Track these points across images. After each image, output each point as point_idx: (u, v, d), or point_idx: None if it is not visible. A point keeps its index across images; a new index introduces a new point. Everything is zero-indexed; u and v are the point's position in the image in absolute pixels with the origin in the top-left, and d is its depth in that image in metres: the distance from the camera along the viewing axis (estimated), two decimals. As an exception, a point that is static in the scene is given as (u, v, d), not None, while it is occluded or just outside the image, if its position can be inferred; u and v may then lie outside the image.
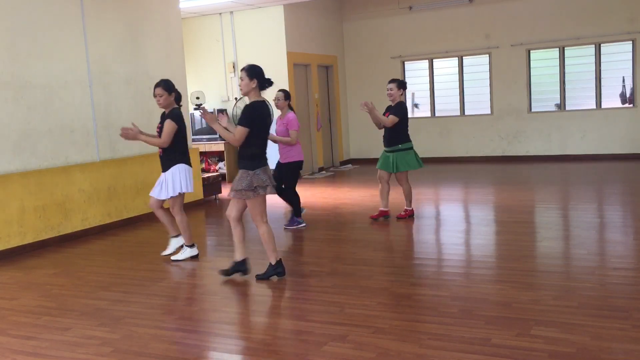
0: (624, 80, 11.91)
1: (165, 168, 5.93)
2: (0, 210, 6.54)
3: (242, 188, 4.96)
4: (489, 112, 12.89)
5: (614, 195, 8.74)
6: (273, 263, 5.14)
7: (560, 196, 8.77)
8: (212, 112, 5.13)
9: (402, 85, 7.21)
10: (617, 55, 11.91)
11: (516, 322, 3.90)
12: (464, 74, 13.07)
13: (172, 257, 6.05)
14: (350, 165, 13.71)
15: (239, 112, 12.40)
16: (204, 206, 9.28)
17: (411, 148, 7.27)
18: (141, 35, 8.60)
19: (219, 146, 11.78)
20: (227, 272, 5.25)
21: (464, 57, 13.00)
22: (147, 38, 8.71)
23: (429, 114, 13.48)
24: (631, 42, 11.65)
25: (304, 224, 7.33)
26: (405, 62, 13.53)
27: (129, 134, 5.78)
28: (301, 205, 7.42)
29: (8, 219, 6.62)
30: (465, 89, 13.09)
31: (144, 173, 8.40)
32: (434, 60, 13.27)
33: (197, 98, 11.89)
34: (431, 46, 13.12)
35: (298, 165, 7.35)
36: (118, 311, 4.62)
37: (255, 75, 5.02)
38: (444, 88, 13.32)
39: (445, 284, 4.90)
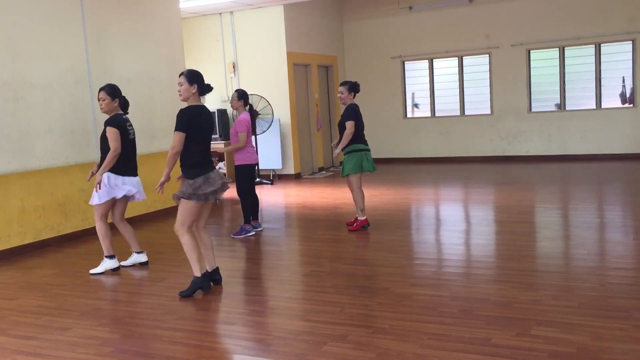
0: (624, 80, 11.91)
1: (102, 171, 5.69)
2: (0, 210, 6.54)
3: (181, 195, 4.77)
4: (489, 112, 12.89)
5: (614, 195, 8.74)
6: (198, 275, 4.84)
7: (560, 196, 8.77)
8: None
9: (353, 88, 6.87)
10: (617, 55, 11.91)
11: (516, 322, 3.90)
12: (464, 74, 13.06)
13: (91, 271, 5.74)
14: (350, 165, 13.69)
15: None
16: (204, 206, 9.27)
17: (361, 150, 6.83)
18: (141, 35, 8.60)
19: (218, 146, 11.77)
20: (187, 293, 4.92)
21: (464, 57, 13.00)
22: (147, 38, 8.71)
23: (429, 114, 13.48)
24: (631, 42, 11.64)
25: (252, 233, 7.01)
26: (405, 62, 13.53)
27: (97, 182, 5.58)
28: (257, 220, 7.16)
29: (8, 219, 6.62)
30: (465, 89, 13.09)
31: (143, 173, 8.32)
32: (434, 60, 13.26)
33: (197, 98, 11.91)
34: (431, 46, 13.12)
35: (248, 169, 6.98)
36: (118, 311, 4.62)
37: (195, 80, 4.84)
38: (444, 88, 13.32)
39: (445, 284, 4.90)
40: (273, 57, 11.83)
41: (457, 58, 13.04)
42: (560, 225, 6.97)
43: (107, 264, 5.75)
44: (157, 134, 8.78)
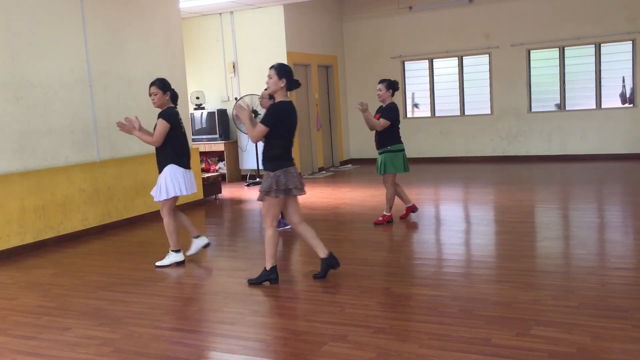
0: (624, 80, 11.91)
1: (159, 169, 5.82)
2: (0, 210, 6.54)
3: (262, 190, 4.92)
4: (489, 112, 12.89)
5: (614, 195, 8.74)
6: (268, 268, 5.04)
7: (560, 196, 8.77)
8: (249, 110, 4.98)
9: (391, 85, 6.97)
10: (617, 55, 11.91)
11: (516, 322, 3.90)
12: (464, 74, 13.06)
13: (157, 263, 5.88)
14: (350, 166, 13.71)
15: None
16: (204, 206, 9.28)
17: (401, 150, 7.07)
18: (141, 35, 8.60)
19: (218, 146, 11.78)
20: (321, 275, 5.11)
21: (464, 57, 12.99)
22: (147, 38, 8.71)
23: (429, 114, 13.48)
24: (631, 42, 11.65)
25: (289, 226, 7.14)
26: (405, 62, 13.53)
27: (125, 127, 5.73)
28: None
29: (8, 218, 6.62)
30: (465, 89, 13.09)
31: (144, 173, 8.40)
32: (434, 60, 13.26)
33: (197, 98, 11.90)
34: (431, 46, 13.12)
35: None
36: (118, 311, 4.62)
37: (284, 74, 4.88)
38: (444, 88, 13.32)
39: (445, 284, 4.90)
40: (273, 57, 11.80)
41: (457, 58, 13.04)
42: (560, 225, 6.97)
43: (172, 257, 5.88)
44: (157, 134, 8.77)
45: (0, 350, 3.96)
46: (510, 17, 12.43)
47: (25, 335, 4.20)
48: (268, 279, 5.04)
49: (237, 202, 9.65)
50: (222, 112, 11.90)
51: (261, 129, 4.85)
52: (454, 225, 7.24)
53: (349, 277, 5.18)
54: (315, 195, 9.75)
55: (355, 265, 5.61)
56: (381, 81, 7.03)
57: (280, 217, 7.10)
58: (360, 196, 9.30)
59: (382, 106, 7.10)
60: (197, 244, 6.07)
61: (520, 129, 12.62)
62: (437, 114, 13.40)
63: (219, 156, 12.18)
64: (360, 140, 14.06)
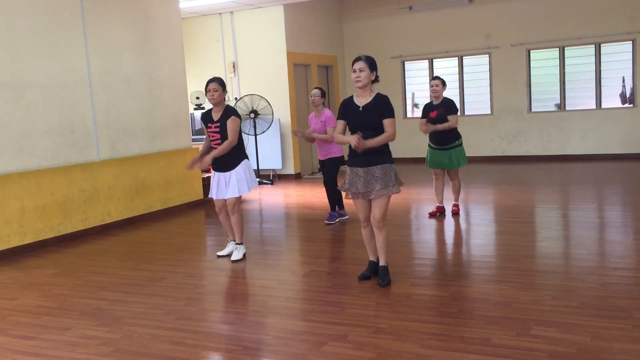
0: (624, 80, 11.91)
1: (230, 167, 5.87)
2: (0, 210, 6.54)
3: (394, 184, 4.69)
4: (489, 112, 12.89)
5: (614, 195, 8.74)
6: (386, 265, 4.96)
7: (560, 196, 8.77)
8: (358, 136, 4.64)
9: (445, 82, 7.37)
10: (617, 55, 11.90)
11: (516, 322, 3.90)
12: (464, 74, 13.06)
13: (232, 258, 5.97)
14: (350, 165, 13.69)
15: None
16: (204, 206, 9.28)
17: (462, 143, 7.52)
18: (141, 35, 8.60)
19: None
20: (366, 276, 5.02)
21: (464, 57, 12.99)
22: (147, 38, 8.71)
23: (429, 114, 13.47)
24: (631, 42, 11.64)
25: (347, 217, 7.53)
26: (405, 62, 13.53)
27: (202, 166, 6.04)
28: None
29: (8, 219, 6.62)
30: (465, 89, 13.09)
31: (144, 173, 8.41)
32: (434, 60, 13.26)
33: (197, 98, 11.90)
34: (431, 46, 13.12)
35: (339, 160, 7.42)
36: (118, 311, 4.62)
37: (375, 67, 4.72)
38: (444, 88, 13.31)
39: (445, 284, 4.90)
40: (273, 57, 11.83)
41: (457, 58, 13.04)
42: (560, 225, 6.97)
43: (243, 249, 6.03)
44: (157, 133, 8.78)
45: (0, 350, 3.96)
46: (510, 17, 12.43)
47: (25, 335, 4.20)
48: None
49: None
50: (222, 112, 11.89)
51: (394, 122, 4.68)
52: (454, 225, 7.24)
53: (349, 277, 5.18)
54: (315, 195, 9.74)
55: (355, 265, 5.61)
56: (436, 77, 7.38)
57: (338, 208, 7.42)
58: (360, 196, 9.31)
59: (431, 102, 7.40)
60: (232, 247, 6.16)
61: (520, 129, 12.62)
62: (437, 114, 13.38)
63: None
64: (360, 140, 14.02)
